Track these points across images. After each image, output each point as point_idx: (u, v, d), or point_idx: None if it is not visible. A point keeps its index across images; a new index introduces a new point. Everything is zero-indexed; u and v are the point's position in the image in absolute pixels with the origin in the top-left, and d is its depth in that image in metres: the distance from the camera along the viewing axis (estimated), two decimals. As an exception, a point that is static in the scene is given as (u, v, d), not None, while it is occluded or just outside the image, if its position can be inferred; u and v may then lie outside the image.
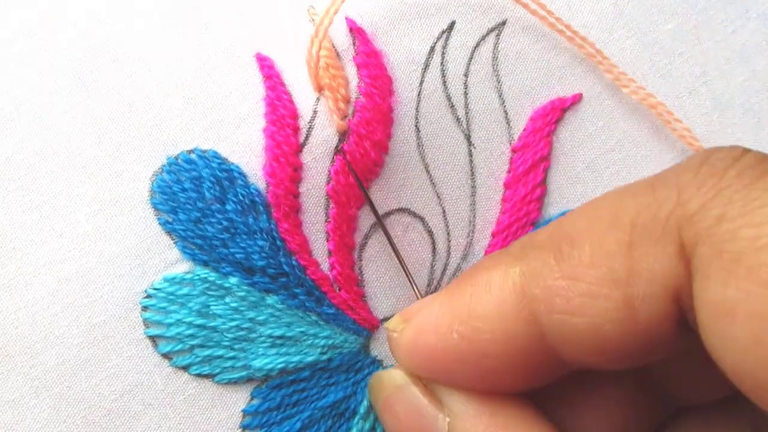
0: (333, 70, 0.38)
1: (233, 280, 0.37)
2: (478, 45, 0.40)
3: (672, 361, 0.31)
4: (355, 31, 0.39)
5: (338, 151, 0.38)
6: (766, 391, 0.22)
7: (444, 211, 0.39)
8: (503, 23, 0.40)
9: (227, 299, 0.37)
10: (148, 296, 0.37)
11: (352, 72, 0.39)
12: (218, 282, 0.37)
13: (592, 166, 0.40)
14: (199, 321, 0.37)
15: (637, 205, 0.26)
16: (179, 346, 0.37)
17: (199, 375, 0.37)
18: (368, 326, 0.39)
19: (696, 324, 0.24)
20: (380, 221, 0.38)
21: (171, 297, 0.37)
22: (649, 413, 0.33)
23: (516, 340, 0.28)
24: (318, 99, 0.38)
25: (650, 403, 0.33)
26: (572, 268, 0.27)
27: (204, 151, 0.38)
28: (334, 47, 0.38)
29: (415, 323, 0.31)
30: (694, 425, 0.32)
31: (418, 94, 0.39)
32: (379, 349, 0.39)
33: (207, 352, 0.37)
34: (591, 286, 0.26)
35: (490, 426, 0.29)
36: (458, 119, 0.39)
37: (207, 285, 0.37)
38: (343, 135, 0.38)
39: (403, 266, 0.37)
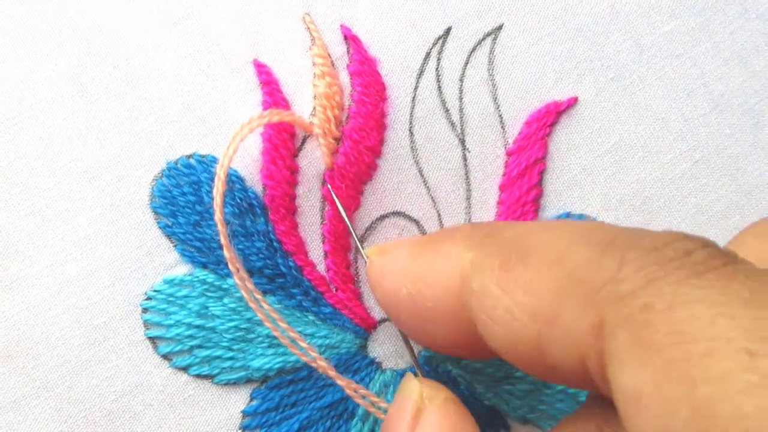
0: (328, 78, 0.38)
1: (231, 281, 0.38)
2: (474, 50, 0.40)
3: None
4: (350, 38, 0.39)
5: (323, 183, 0.39)
6: None
7: (439, 215, 0.40)
8: (500, 27, 0.40)
9: (225, 300, 0.38)
10: (148, 298, 0.38)
11: (347, 79, 0.39)
12: (217, 283, 0.38)
13: (589, 169, 0.40)
14: (198, 322, 0.38)
15: (585, 257, 0.27)
16: (179, 347, 0.38)
17: (198, 376, 0.38)
18: (365, 326, 0.39)
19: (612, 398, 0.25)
20: (356, 238, 0.39)
21: (171, 299, 0.38)
22: None
23: (452, 317, 0.30)
24: (314, 108, 0.39)
25: None
26: (509, 281, 0.28)
27: (203, 156, 0.38)
28: (329, 56, 0.39)
29: (382, 264, 0.33)
30: None
31: (413, 99, 0.39)
32: (377, 350, 0.39)
33: (206, 352, 0.38)
34: (516, 306, 0.27)
35: None
36: (452, 123, 0.40)
37: (206, 286, 0.38)
38: (330, 170, 0.39)
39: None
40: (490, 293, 0.28)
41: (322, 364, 0.35)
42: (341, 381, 0.36)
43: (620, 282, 0.25)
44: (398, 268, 0.32)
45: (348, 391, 0.36)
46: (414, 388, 0.34)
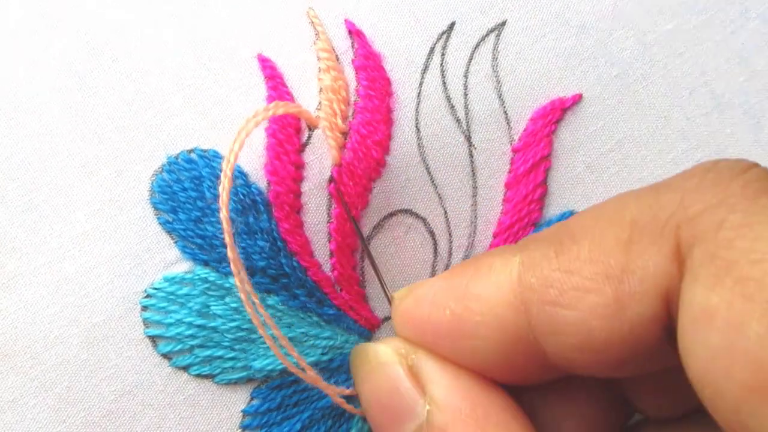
0: (334, 72, 0.38)
1: (233, 280, 0.37)
2: (477, 45, 0.40)
3: (644, 377, 0.31)
4: (354, 33, 0.39)
5: (330, 180, 0.38)
6: (723, 400, 0.22)
7: (445, 212, 0.39)
8: (503, 24, 0.40)
9: (227, 299, 0.37)
10: (148, 296, 0.37)
11: (351, 74, 0.39)
12: (218, 282, 0.37)
13: (593, 167, 0.40)
14: (199, 321, 0.37)
15: (640, 205, 0.26)
16: (179, 347, 0.37)
17: (199, 375, 0.37)
18: (369, 326, 0.39)
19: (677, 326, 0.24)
20: (366, 248, 0.38)
21: (171, 297, 0.37)
22: (616, 421, 0.33)
23: (504, 327, 0.29)
24: (320, 102, 0.38)
25: (618, 412, 0.33)
26: (570, 261, 0.27)
27: (204, 151, 0.38)
28: (333, 50, 0.38)
29: (415, 294, 0.32)
30: None
31: (418, 95, 0.39)
32: (379, 349, 0.39)
33: (207, 352, 0.37)
34: (585, 280, 0.26)
35: (468, 424, 0.29)
36: (458, 120, 0.39)
37: (207, 285, 0.37)
38: (337, 165, 0.38)
39: (378, 276, 0.37)
40: (553, 281, 0.27)
41: (312, 375, 0.35)
42: (331, 392, 0.35)
43: (688, 207, 0.24)
44: (434, 293, 0.31)
45: (337, 401, 0.35)
46: (384, 351, 0.32)
